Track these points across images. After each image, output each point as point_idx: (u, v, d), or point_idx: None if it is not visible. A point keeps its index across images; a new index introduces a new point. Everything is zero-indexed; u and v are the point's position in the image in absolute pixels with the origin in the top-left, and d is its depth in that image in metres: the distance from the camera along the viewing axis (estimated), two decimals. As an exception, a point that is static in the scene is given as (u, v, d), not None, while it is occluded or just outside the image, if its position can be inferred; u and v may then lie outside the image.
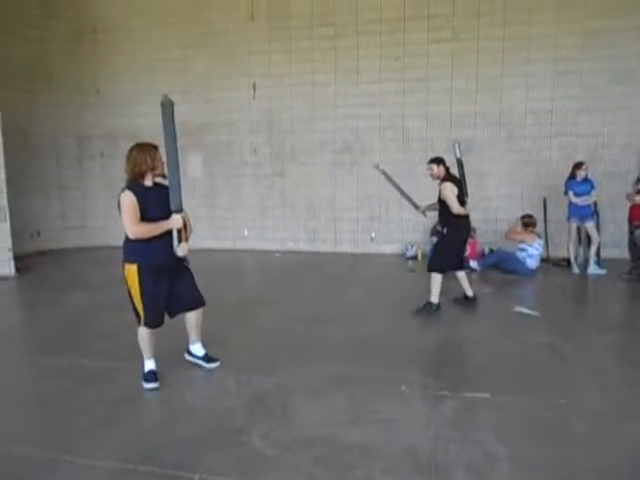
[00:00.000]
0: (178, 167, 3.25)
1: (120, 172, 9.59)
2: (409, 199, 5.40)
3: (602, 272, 6.82)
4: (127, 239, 3.27)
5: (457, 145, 5.18)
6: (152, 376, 3.43)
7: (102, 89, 9.49)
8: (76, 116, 9.50)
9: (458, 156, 5.14)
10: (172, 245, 3.30)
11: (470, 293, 5.33)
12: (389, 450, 2.64)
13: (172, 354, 3.91)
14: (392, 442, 2.71)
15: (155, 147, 3.33)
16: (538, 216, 7.77)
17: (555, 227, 7.79)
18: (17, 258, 7.29)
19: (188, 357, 3.82)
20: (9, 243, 7.07)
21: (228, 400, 3.22)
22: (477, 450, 2.62)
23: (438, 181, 5.01)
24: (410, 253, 8.20)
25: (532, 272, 6.85)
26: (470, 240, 7.39)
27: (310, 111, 8.65)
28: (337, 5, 8.28)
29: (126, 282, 3.31)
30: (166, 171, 3.27)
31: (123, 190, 3.22)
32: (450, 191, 4.85)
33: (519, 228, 7.17)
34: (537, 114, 7.88)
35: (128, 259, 3.30)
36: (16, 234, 7.46)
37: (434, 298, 4.99)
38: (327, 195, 8.80)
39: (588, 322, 4.98)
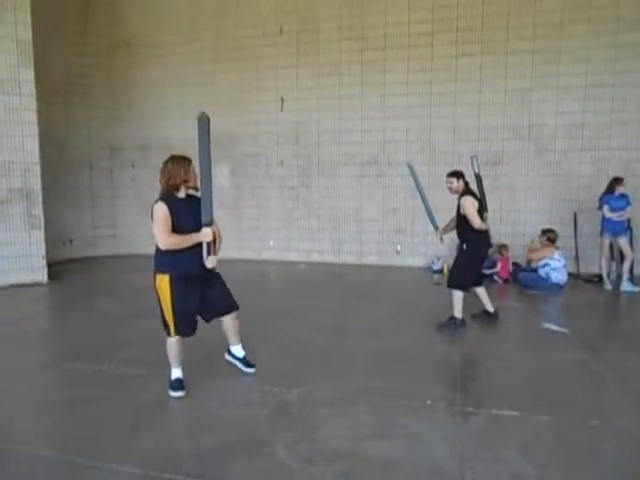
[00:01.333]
0: (211, 181, 3.32)
1: (150, 182, 9.77)
2: (431, 215, 5.16)
3: (636, 289, 6.63)
4: (158, 249, 3.34)
5: (475, 160, 5.08)
6: (178, 384, 3.47)
7: (134, 102, 9.75)
8: (109, 128, 9.78)
9: (476, 171, 5.04)
10: (202, 256, 3.35)
11: (491, 309, 5.23)
12: (414, 467, 2.59)
13: (199, 363, 3.95)
14: (417, 458, 2.67)
15: (189, 160, 3.40)
16: (568, 231, 7.63)
17: (586, 242, 7.61)
18: (50, 265, 7.50)
19: (228, 357, 3.86)
20: (43, 250, 7.28)
21: (252, 410, 3.23)
22: (505, 469, 2.56)
23: (456, 195, 4.92)
24: (436, 267, 8.12)
25: (560, 287, 6.69)
26: (501, 257, 7.30)
27: (337, 124, 8.70)
28: (365, 19, 8.36)
29: (157, 292, 3.36)
30: (199, 184, 3.33)
31: (156, 201, 3.30)
32: (471, 205, 4.75)
33: (536, 244, 7.02)
34: (568, 127, 7.75)
35: (160, 269, 3.35)
36: (49, 242, 7.69)
37: (457, 313, 4.91)
38: (353, 207, 8.81)
39: (620, 340, 4.83)
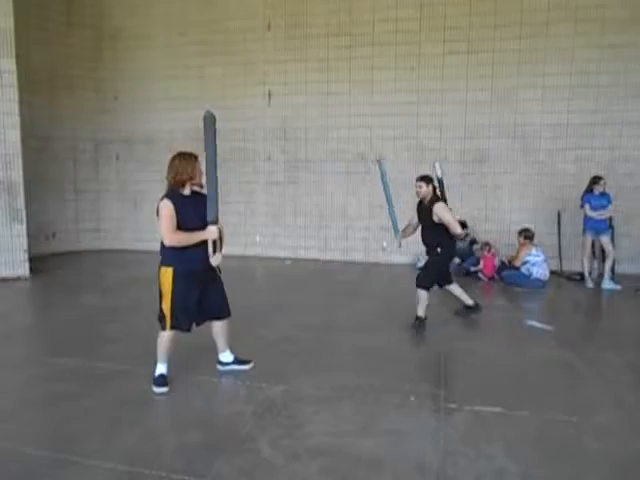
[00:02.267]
0: (217, 179, 3.34)
1: (135, 176, 9.68)
2: (394, 218, 5.02)
3: (617, 287, 6.73)
4: (163, 245, 3.35)
5: (438, 165, 5.12)
6: (162, 380, 3.44)
7: (119, 95, 9.62)
8: (94, 121, 9.65)
9: (439, 176, 5.05)
10: (207, 253, 3.36)
11: (470, 302, 5.24)
12: (397, 463, 2.61)
13: (184, 359, 3.92)
14: (400, 454, 2.69)
15: (195, 157, 3.41)
16: (552, 229, 7.74)
17: (569, 241, 7.72)
18: (32, 259, 7.38)
19: (221, 368, 3.80)
20: (25, 244, 7.16)
21: (237, 407, 3.22)
22: (487, 465, 2.59)
23: (424, 199, 4.84)
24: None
25: (543, 283, 6.78)
26: (486, 254, 7.37)
27: (324, 120, 8.69)
28: (354, 16, 8.34)
29: (159, 284, 3.38)
30: (204, 181, 3.35)
31: (162, 198, 3.30)
32: (449, 212, 4.71)
33: (518, 246, 7.09)
34: (552, 127, 7.84)
35: (165, 263, 3.37)
36: (32, 236, 7.57)
37: (421, 312, 4.90)
38: (339, 204, 8.82)
39: (602, 338, 4.91)
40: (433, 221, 4.74)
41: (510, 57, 7.82)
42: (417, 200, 4.98)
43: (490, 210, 8.19)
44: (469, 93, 8.05)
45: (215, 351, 3.82)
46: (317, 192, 8.87)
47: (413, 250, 8.49)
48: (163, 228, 3.27)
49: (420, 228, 5.04)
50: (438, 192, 4.92)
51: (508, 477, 2.49)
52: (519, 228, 7.20)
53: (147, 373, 3.54)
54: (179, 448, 2.74)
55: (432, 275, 4.94)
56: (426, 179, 4.84)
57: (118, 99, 9.64)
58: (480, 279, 7.32)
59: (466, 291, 5.29)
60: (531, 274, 6.76)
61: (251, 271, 8.33)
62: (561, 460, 2.65)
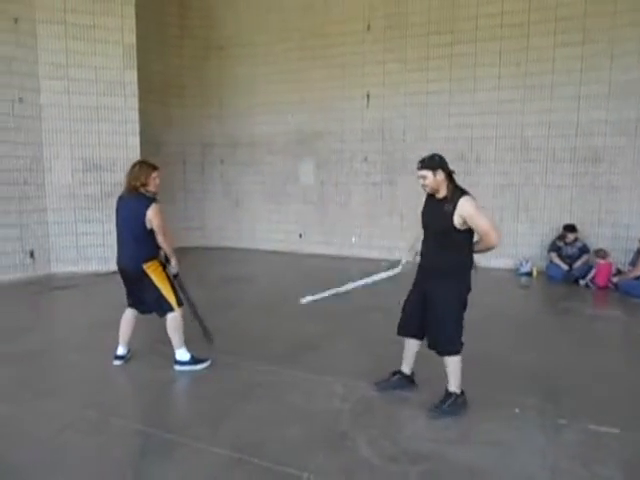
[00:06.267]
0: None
1: (237, 178, 10.09)
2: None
3: None
4: (143, 242, 3.74)
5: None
6: (195, 360, 3.83)
7: (225, 101, 10.18)
8: (201, 126, 10.29)
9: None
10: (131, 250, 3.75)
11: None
12: (501, 475, 2.50)
13: (281, 355, 4.06)
14: (505, 467, 2.57)
15: (154, 167, 3.81)
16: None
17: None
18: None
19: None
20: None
21: (334, 404, 3.27)
22: (603, 489, 2.40)
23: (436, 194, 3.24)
24: (524, 269, 7.73)
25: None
26: (600, 261, 6.77)
27: (423, 120, 8.53)
28: (456, 12, 8.09)
29: (150, 277, 3.70)
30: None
31: (153, 201, 3.72)
32: (483, 213, 3.12)
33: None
34: (681, 122, 7.04)
35: (150, 257, 3.74)
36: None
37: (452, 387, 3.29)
38: (437, 205, 8.59)
39: None
40: (452, 226, 3.09)
41: (632, 45, 7.14)
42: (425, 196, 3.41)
43: (604, 213, 7.54)
44: (583, 87, 7.48)
45: (321, 350, 3.91)
46: (415, 193, 8.70)
47: (515, 254, 8.08)
48: (163, 227, 3.73)
49: (423, 238, 3.45)
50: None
51: (628, 504, 2.29)
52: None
53: (248, 366, 3.71)
54: (281, 440, 2.83)
55: (455, 324, 3.27)
56: (431, 164, 3.16)
57: (223, 104, 10.20)
58: (589, 287, 6.76)
59: (576, 298, 4.92)
60: (654, 285, 6.14)
61: (348, 272, 8.38)
62: (692, 492, 2.39)
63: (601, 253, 6.84)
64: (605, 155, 7.45)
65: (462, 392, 3.26)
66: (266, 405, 3.28)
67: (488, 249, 3.24)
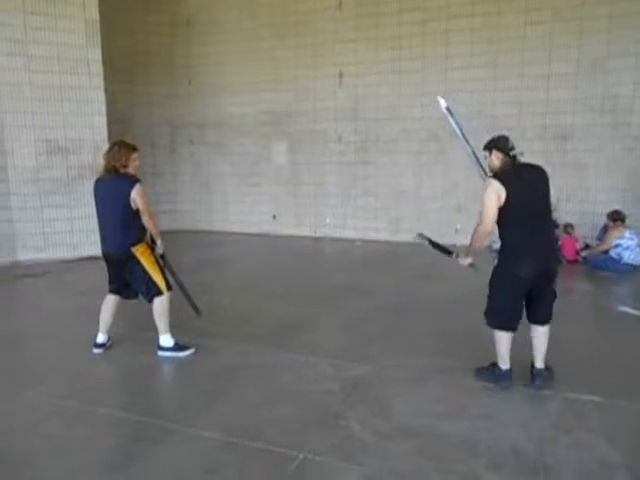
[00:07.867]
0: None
1: (207, 158, 9.86)
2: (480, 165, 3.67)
3: None
4: (132, 223, 3.60)
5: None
6: (179, 346, 3.76)
7: (193, 80, 9.89)
8: (169, 105, 9.99)
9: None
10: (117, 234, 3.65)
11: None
12: (492, 447, 2.56)
13: (265, 336, 4.04)
14: (494, 439, 2.63)
15: (134, 148, 3.67)
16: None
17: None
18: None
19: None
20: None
21: (325, 384, 3.27)
22: (588, 455, 2.48)
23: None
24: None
25: (634, 268, 6.35)
26: (566, 236, 6.99)
27: (396, 99, 8.50)
28: (428, -12, 8.05)
29: (139, 260, 3.60)
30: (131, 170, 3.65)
31: (137, 181, 3.58)
32: (488, 197, 3.12)
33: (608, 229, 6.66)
34: (647, 99, 7.24)
35: (138, 240, 3.63)
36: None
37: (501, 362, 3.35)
38: (411, 184, 8.64)
39: None
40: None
41: (600, 23, 7.26)
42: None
43: (572, 189, 7.73)
44: (552, 65, 7.58)
45: (304, 330, 3.90)
46: (389, 173, 8.74)
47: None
48: (148, 207, 3.58)
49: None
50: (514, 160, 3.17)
51: (612, 467, 2.39)
52: (608, 210, 6.75)
53: (233, 348, 3.67)
54: (274, 421, 2.82)
55: (499, 299, 3.36)
56: (485, 145, 3.25)
57: (191, 83, 9.91)
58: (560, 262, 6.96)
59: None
60: (621, 258, 6.35)
61: (322, 252, 8.39)
62: (671, 454, 2.50)
63: (569, 228, 7.06)
64: (574, 133, 7.62)
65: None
66: (254, 387, 3.25)
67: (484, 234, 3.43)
